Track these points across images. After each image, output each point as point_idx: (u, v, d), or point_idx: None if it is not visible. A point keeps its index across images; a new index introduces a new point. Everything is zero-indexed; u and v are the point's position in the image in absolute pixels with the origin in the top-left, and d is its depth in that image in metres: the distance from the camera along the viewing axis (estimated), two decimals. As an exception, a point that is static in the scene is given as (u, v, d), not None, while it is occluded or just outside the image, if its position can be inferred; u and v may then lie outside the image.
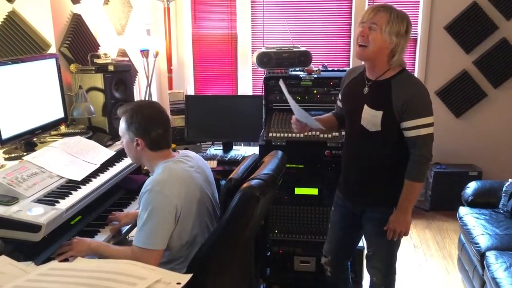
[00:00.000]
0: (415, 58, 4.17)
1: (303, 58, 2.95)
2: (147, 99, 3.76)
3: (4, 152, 2.12)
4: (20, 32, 2.38)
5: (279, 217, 2.80)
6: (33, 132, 2.21)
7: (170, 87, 4.06)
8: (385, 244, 2.14)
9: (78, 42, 2.81)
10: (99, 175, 2.11)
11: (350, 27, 4.16)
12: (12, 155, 2.10)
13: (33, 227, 1.58)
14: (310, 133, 2.64)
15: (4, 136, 2.00)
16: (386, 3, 2.08)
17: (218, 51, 4.40)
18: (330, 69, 3.13)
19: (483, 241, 2.65)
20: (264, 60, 2.95)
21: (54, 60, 2.37)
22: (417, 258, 3.38)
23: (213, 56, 4.42)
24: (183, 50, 4.37)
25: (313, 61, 2.99)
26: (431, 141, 1.98)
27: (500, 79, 4.07)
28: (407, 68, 2.07)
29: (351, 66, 4.00)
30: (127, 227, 2.14)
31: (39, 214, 1.63)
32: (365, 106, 2.02)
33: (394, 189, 2.04)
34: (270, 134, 2.74)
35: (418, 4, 4.06)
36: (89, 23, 2.98)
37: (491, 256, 2.50)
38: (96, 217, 2.16)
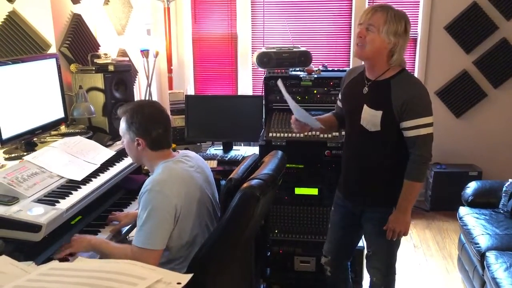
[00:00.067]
0: (415, 58, 4.17)
1: (303, 58, 2.95)
2: (147, 99, 3.76)
3: (4, 152, 2.12)
4: (21, 32, 2.38)
5: (279, 217, 2.80)
6: (33, 132, 2.21)
7: (170, 87, 4.06)
8: (385, 244, 2.14)
9: (78, 42, 2.81)
10: (99, 175, 2.11)
11: (350, 27, 4.16)
12: (13, 155, 2.10)
13: (34, 227, 1.58)
14: (310, 133, 2.64)
15: (4, 136, 2.00)
16: (384, 3, 2.08)
17: (218, 51, 4.40)
18: (330, 69, 3.13)
19: (483, 241, 2.65)
20: (264, 60, 2.95)
21: (54, 60, 2.37)
22: (417, 258, 3.38)
23: (213, 56, 4.42)
24: (183, 50, 4.38)
25: (313, 61, 2.99)
26: (430, 141, 1.99)
27: (500, 79, 4.07)
28: (407, 68, 2.07)
29: (351, 66, 4.00)
30: (127, 227, 2.14)
31: (39, 214, 1.63)
32: (365, 106, 2.02)
33: (394, 189, 2.04)
34: (270, 134, 2.74)
35: (418, 4, 4.06)
36: (89, 23, 2.98)
37: (491, 256, 2.50)
38: (96, 217, 2.16)
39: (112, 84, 2.66)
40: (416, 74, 4.12)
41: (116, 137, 2.47)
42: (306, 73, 2.94)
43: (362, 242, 2.52)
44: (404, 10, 2.00)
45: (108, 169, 2.21)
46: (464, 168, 4.08)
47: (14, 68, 2.08)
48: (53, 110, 2.37)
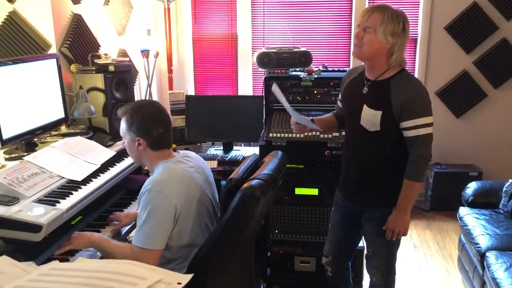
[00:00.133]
0: (415, 58, 4.17)
1: (304, 59, 2.95)
2: (147, 99, 3.76)
3: (4, 152, 2.12)
4: (21, 32, 2.38)
5: (280, 217, 2.80)
6: (33, 132, 2.21)
7: (171, 87, 4.06)
8: (385, 244, 2.14)
9: (79, 42, 2.82)
10: (99, 175, 2.11)
11: (350, 27, 4.16)
12: (13, 155, 2.10)
13: (34, 227, 1.58)
14: (310, 134, 2.65)
15: (4, 136, 2.00)
16: (383, 3, 2.08)
17: (218, 51, 4.40)
18: (331, 69, 3.14)
19: (483, 241, 2.66)
20: (264, 60, 2.96)
21: (54, 60, 2.37)
22: (417, 258, 3.38)
23: (214, 56, 4.42)
24: (183, 50, 4.38)
25: (313, 62, 3.00)
26: (430, 141, 1.99)
27: (500, 79, 4.07)
28: (406, 69, 2.07)
29: (351, 67, 4.01)
30: (127, 227, 2.14)
31: (39, 214, 1.63)
32: (365, 106, 2.02)
33: (393, 189, 2.04)
34: (271, 134, 2.74)
35: (418, 4, 4.06)
36: (90, 23, 2.98)
37: (491, 256, 2.50)
38: (97, 217, 2.16)
39: (113, 84, 2.67)
40: (416, 74, 4.12)
41: (116, 137, 2.47)
42: (306, 73, 2.94)
43: (362, 242, 2.52)
44: (404, 10, 2.00)
45: (109, 169, 2.21)
46: (464, 168, 4.08)
47: (15, 68, 2.08)
48: (54, 110, 2.37)
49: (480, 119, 4.18)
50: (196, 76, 4.50)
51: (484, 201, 3.09)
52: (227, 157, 3.05)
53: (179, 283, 1.03)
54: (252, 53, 4.22)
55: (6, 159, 2.07)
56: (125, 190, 2.49)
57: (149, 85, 3.78)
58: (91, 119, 2.60)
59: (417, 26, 4.08)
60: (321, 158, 2.67)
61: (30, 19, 2.43)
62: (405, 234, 2.09)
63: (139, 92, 3.88)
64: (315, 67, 3.01)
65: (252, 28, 4.29)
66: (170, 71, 4.05)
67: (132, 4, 3.70)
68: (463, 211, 3.07)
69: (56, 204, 1.74)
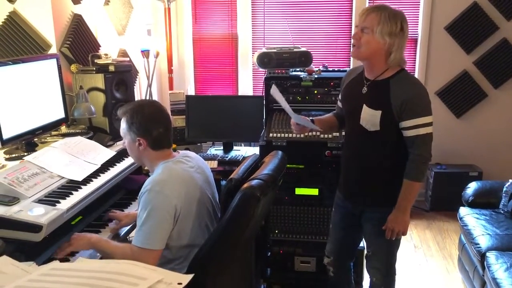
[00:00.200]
0: (415, 58, 4.17)
1: (304, 59, 2.95)
2: (147, 99, 3.76)
3: (5, 152, 2.12)
4: (21, 32, 2.38)
5: (280, 217, 2.80)
6: (33, 132, 2.21)
7: (171, 87, 4.06)
8: (385, 244, 2.14)
9: (79, 43, 2.82)
10: (99, 175, 2.11)
11: (351, 28, 4.16)
12: (13, 155, 2.10)
13: (34, 227, 1.58)
14: (310, 134, 2.65)
15: (5, 136, 2.00)
16: (381, 3, 2.08)
17: (218, 51, 4.40)
18: (331, 69, 3.14)
19: (484, 241, 2.66)
20: (264, 60, 2.96)
21: (55, 60, 2.37)
22: (417, 258, 3.38)
23: (214, 56, 4.43)
24: (183, 50, 4.38)
25: (313, 62, 3.00)
26: (430, 140, 1.99)
27: (501, 80, 4.07)
28: (406, 69, 2.07)
29: (351, 67, 4.01)
30: (127, 227, 2.14)
31: (40, 214, 1.63)
32: (364, 106, 2.02)
33: (393, 189, 2.04)
34: (271, 135, 2.74)
35: (419, 4, 4.06)
36: (90, 24, 2.98)
37: (491, 256, 2.50)
38: (97, 217, 2.16)
39: (113, 85, 2.67)
40: (416, 75, 4.12)
41: (116, 137, 2.47)
42: (306, 73, 2.94)
43: (363, 242, 2.52)
44: (404, 11, 2.00)
45: (109, 170, 2.21)
46: (465, 169, 4.08)
47: (15, 69, 2.08)
48: (54, 111, 2.37)
49: (480, 119, 4.18)
50: (196, 76, 4.50)
51: (484, 201, 3.09)
52: (227, 157, 3.05)
53: (179, 283, 1.03)
54: (252, 53, 4.22)
55: (6, 159, 2.07)
56: (125, 190, 2.49)
57: (149, 85, 3.78)
58: (91, 119, 2.60)
59: (417, 26, 4.08)
60: (321, 158, 2.67)
61: (31, 19, 2.43)
62: (404, 233, 2.09)
63: (139, 92, 3.88)
64: (315, 67, 3.01)
65: (253, 28, 4.29)
66: (170, 71, 4.05)
67: (132, 4, 3.70)
68: (463, 211, 3.07)
69: (56, 204, 1.74)
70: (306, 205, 2.77)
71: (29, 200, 1.71)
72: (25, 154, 2.09)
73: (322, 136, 2.67)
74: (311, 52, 2.98)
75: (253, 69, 4.35)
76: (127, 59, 3.38)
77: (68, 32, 2.76)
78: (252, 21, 4.27)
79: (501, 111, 4.14)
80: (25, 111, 2.14)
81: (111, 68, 2.65)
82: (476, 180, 3.54)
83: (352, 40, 2.04)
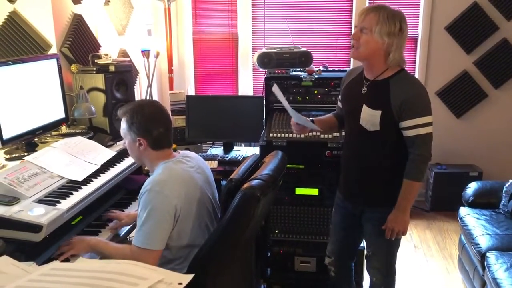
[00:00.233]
0: (415, 58, 4.17)
1: (304, 59, 2.95)
2: (147, 98, 3.76)
3: (5, 153, 2.12)
4: (21, 32, 2.38)
5: (280, 218, 2.80)
6: (34, 133, 2.21)
7: (171, 88, 4.06)
8: (385, 244, 2.14)
9: (79, 43, 2.82)
10: (100, 176, 2.11)
11: (351, 28, 4.16)
12: (13, 155, 2.10)
13: (34, 227, 1.58)
14: (310, 134, 2.65)
15: (5, 137, 2.00)
16: (381, 3, 2.09)
17: (218, 51, 4.40)
18: (331, 69, 3.14)
19: (484, 241, 2.65)
20: (264, 60, 2.96)
21: (55, 60, 2.37)
22: (417, 259, 3.38)
23: (214, 56, 4.43)
24: (183, 50, 4.38)
25: (313, 62, 3.00)
26: (430, 140, 1.99)
27: (501, 80, 4.07)
28: (406, 69, 2.07)
29: (351, 67, 4.01)
30: (127, 227, 2.14)
31: (40, 214, 1.63)
32: (364, 106, 2.02)
33: (393, 189, 2.04)
34: (271, 135, 2.74)
35: (419, 4, 4.06)
36: (90, 24, 2.98)
37: (491, 256, 2.50)
38: (97, 217, 2.16)
39: (113, 85, 2.67)
40: (416, 75, 4.12)
41: (116, 137, 2.48)
42: (306, 73, 2.94)
43: (363, 243, 2.52)
44: (405, 10, 2.01)
45: (109, 170, 2.21)
46: (465, 169, 4.08)
47: (15, 69, 2.08)
48: (54, 111, 2.38)
49: (481, 119, 4.18)
50: (196, 76, 4.50)
51: (485, 201, 3.09)
52: (227, 157, 3.05)
53: (180, 283, 1.03)
54: (253, 53, 4.22)
55: (7, 159, 2.08)
56: (126, 190, 2.49)
57: (150, 85, 3.78)
58: (92, 119, 2.60)
59: (418, 26, 4.08)
60: (322, 158, 2.67)
61: (31, 19, 2.43)
62: (404, 233, 2.09)
63: (140, 92, 3.88)
64: (315, 67, 3.01)
65: (253, 28, 4.29)
66: (170, 71, 4.05)
67: (132, 4, 3.70)
68: (464, 211, 3.07)
69: (57, 204, 1.74)
70: (306, 205, 2.77)
71: (29, 200, 1.71)
72: (25, 154, 2.09)
73: (322, 136, 2.67)
74: (311, 52, 2.98)
75: (253, 69, 4.35)
76: (127, 59, 3.38)
77: (69, 32, 2.76)
78: (253, 21, 4.27)
79: (501, 111, 4.14)
80: (25, 111, 2.15)
81: (111, 68, 2.65)
82: (476, 180, 3.54)
83: (352, 41, 2.04)
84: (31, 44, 2.43)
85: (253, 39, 4.31)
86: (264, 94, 3.00)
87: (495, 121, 4.16)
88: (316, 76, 2.91)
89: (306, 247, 2.79)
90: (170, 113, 3.16)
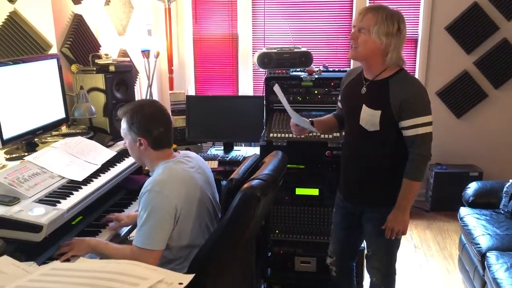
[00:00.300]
0: (415, 58, 4.17)
1: (304, 59, 2.95)
2: (147, 98, 3.76)
3: (5, 153, 2.12)
4: (22, 32, 2.38)
5: (280, 218, 2.80)
6: (34, 133, 2.21)
7: (171, 88, 4.06)
8: (385, 244, 2.14)
9: (79, 43, 2.82)
10: (100, 176, 2.12)
11: (351, 28, 4.15)
12: (13, 155, 2.10)
13: (35, 227, 1.58)
14: (310, 134, 2.65)
15: (5, 137, 2.00)
16: (380, 3, 2.09)
17: (219, 51, 4.40)
18: (331, 69, 3.14)
19: (484, 241, 2.65)
20: (265, 60, 2.96)
21: (55, 60, 2.38)
22: (417, 259, 3.38)
23: (214, 56, 4.43)
24: (184, 50, 4.38)
25: (314, 62, 3.00)
26: (429, 140, 1.99)
27: (501, 80, 4.07)
28: (406, 69, 2.07)
29: (351, 67, 4.01)
30: (127, 228, 2.14)
31: (40, 214, 1.63)
32: (364, 106, 2.02)
33: (393, 189, 2.04)
34: (271, 135, 2.74)
35: (419, 4, 4.06)
36: (90, 24, 2.98)
37: (491, 256, 2.50)
38: (97, 218, 2.16)
39: (113, 85, 2.67)
40: (416, 75, 4.12)
41: (117, 137, 2.48)
42: (307, 73, 2.94)
43: (363, 243, 2.52)
44: (405, 11, 2.01)
45: (109, 170, 2.21)
46: (465, 169, 4.08)
47: (15, 69, 2.08)
48: (54, 111, 2.38)
49: (481, 119, 4.18)
50: (196, 76, 4.50)
51: (485, 201, 3.08)
52: (227, 157, 3.05)
53: (180, 283, 1.03)
54: (253, 53, 4.22)
55: (7, 159, 2.08)
56: (126, 190, 2.49)
57: (150, 85, 3.78)
58: (92, 119, 2.60)
59: (418, 26, 4.07)
60: (322, 158, 2.67)
61: (31, 19, 2.43)
62: (404, 233, 2.09)
63: (140, 92, 3.88)
64: (315, 67, 3.01)
65: (253, 28, 4.29)
66: (170, 71, 4.05)
67: (132, 4, 3.70)
68: (464, 211, 3.07)
69: (57, 204, 1.74)
70: (307, 205, 2.76)
71: (29, 200, 1.71)
72: (26, 154, 2.09)
73: (322, 136, 2.67)
74: (312, 52, 2.98)
75: (253, 69, 4.35)
76: (128, 59, 3.38)
77: (69, 32, 2.77)
78: (253, 21, 4.27)
79: (502, 111, 4.14)
80: (25, 111, 2.15)
81: (112, 68, 2.65)
82: (477, 180, 3.54)
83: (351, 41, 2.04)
84: (31, 44, 2.43)
85: (253, 39, 4.31)
86: (264, 94, 3.00)
87: (495, 121, 4.16)
88: (316, 76, 2.91)
89: (306, 247, 2.79)
90: (170, 113, 3.17)
